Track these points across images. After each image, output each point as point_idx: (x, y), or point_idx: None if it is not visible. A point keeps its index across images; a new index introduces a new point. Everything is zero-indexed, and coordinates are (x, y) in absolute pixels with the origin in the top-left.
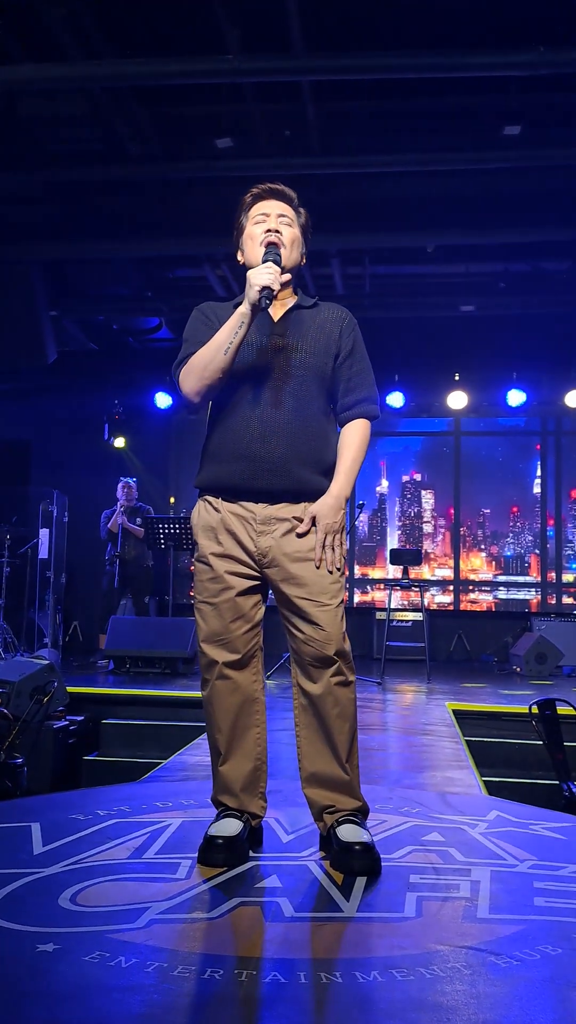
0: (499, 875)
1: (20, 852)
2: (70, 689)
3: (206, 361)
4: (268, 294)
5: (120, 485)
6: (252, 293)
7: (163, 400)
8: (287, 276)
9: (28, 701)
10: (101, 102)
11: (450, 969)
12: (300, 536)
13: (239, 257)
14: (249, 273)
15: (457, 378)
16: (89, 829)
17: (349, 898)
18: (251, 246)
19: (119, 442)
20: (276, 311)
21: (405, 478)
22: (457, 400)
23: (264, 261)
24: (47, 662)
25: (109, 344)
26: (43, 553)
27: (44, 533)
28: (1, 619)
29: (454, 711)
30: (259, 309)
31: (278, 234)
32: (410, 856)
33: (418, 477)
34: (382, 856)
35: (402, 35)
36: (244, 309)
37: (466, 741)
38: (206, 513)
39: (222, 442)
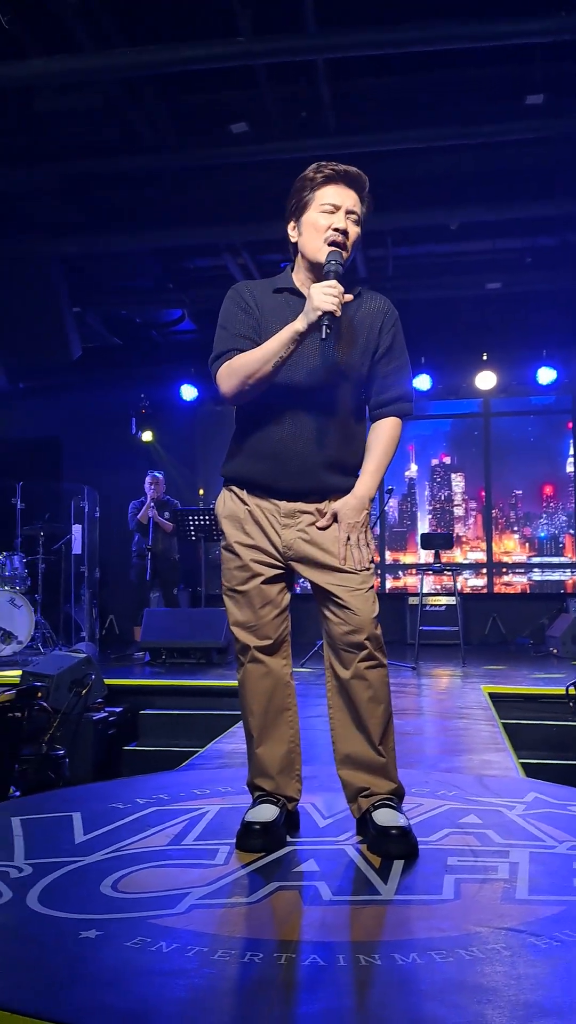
0: (538, 856)
1: (62, 841)
2: (108, 681)
3: (250, 370)
4: (331, 320)
5: (148, 479)
6: (313, 315)
7: (188, 392)
8: (349, 297)
9: (67, 694)
10: (115, 94)
11: (489, 950)
12: (321, 530)
13: (291, 232)
14: (312, 290)
15: (485, 358)
16: (129, 817)
17: (387, 881)
18: (313, 236)
19: (147, 435)
20: None
21: (435, 461)
22: (486, 380)
23: (325, 272)
24: (84, 655)
25: (132, 338)
26: (76, 549)
27: (77, 529)
28: (39, 615)
29: (490, 694)
30: (316, 331)
31: (344, 236)
32: (448, 839)
33: (447, 460)
34: (419, 839)
35: (417, 7)
36: (300, 327)
37: (502, 723)
38: (231, 503)
39: (252, 439)
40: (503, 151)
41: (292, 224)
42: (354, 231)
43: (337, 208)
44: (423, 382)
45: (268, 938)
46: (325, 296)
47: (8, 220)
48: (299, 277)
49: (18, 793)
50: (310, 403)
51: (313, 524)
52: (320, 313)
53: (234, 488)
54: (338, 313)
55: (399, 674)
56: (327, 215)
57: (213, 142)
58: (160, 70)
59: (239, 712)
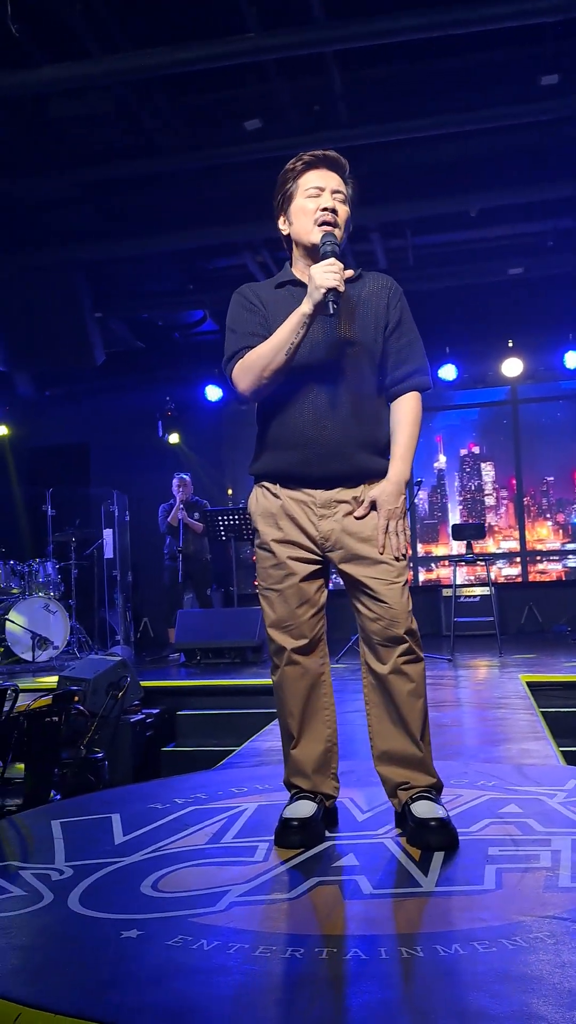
0: None
1: (102, 843)
2: (144, 683)
3: (265, 361)
4: (335, 296)
5: (175, 481)
6: (317, 294)
7: (213, 393)
8: (349, 272)
9: (104, 697)
10: (126, 97)
11: (533, 939)
12: (358, 519)
13: (282, 226)
14: (312, 271)
15: (511, 344)
16: (168, 817)
17: (427, 873)
18: (303, 220)
19: (173, 438)
20: None
21: (463, 452)
22: (512, 367)
23: (323, 254)
24: (120, 658)
25: (155, 341)
26: (108, 553)
27: (108, 533)
28: (73, 620)
29: (528, 683)
30: (323, 311)
31: (334, 214)
32: (488, 829)
33: (476, 450)
34: (459, 830)
35: None
36: (307, 309)
37: (541, 712)
38: (264, 499)
39: (276, 431)
40: (519, 134)
41: (282, 218)
42: (343, 210)
43: (322, 190)
44: (448, 372)
45: (309, 933)
46: (326, 274)
47: (27, 229)
48: (298, 268)
49: (59, 797)
50: (329, 387)
51: (350, 514)
52: (324, 290)
53: (266, 484)
54: (341, 288)
55: (435, 666)
56: (313, 198)
57: (227, 140)
58: (169, 71)
59: (274, 710)
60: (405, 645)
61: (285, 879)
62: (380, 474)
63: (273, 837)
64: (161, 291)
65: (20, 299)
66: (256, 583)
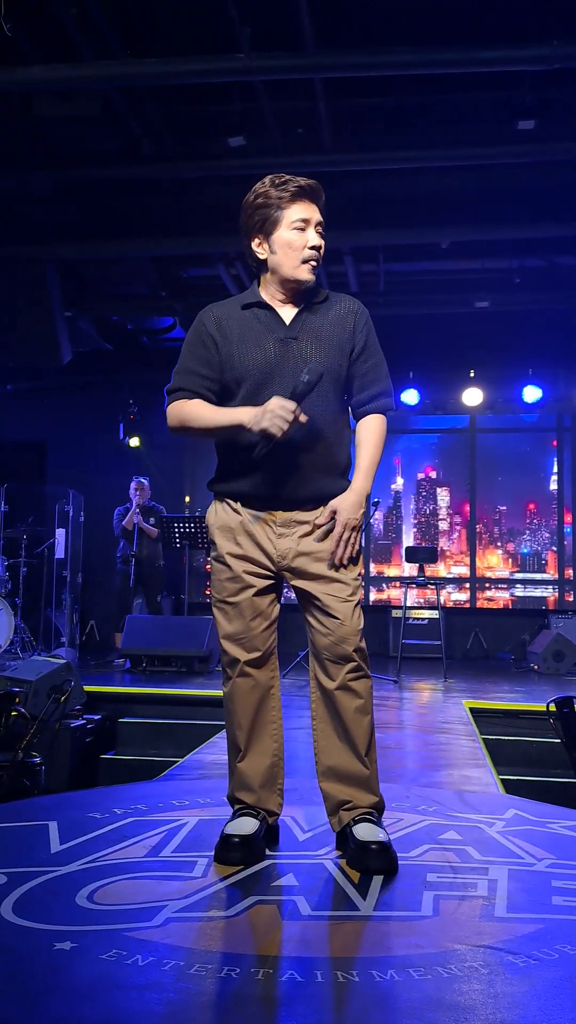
0: (517, 874)
1: (38, 851)
2: (87, 688)
3: (194, 426)
4: (267, 444)
5: (133, 485)
6: (258, 426)
7: None
8: (304, 418)
9: (46, 700)
10: (115, 102)
11: (468, 968)
12: (321, 529)
13: (258, 248)
14: (271, 404)
15: (472, 375)
16: (106, 827)
17: (366, 897)
18: (289, 254)
19: (134, 441)
20: (287, 313)
21: (420, 475)
22: (472, 397)
23: (298, 390)
24: (64, 661)
25: (123, 344)
26: (59, 553)
27: (60, 533)
28: (19, 619)
29: (471, 709)
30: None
31: (319, 251)
32: (427, 855)
33: (433, 474)
34: (399, 855)
35: (414, 31)
36: (245, 420)
37: (483, 739)
38: (224, 514)
39: (238, 452)
40: (495, 173)
41: (258, 240)
42: (322, 243)
43: (307, 223)
44: (411, 396)
45: (246, 953)
46: (277, 418)
47: (3, 223)
48: (268, 291)
49: None
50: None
51: (308, 535)
52: (261, 430)
53: (228, 500)
54: (280, 437)
55: (381, 687)
56: (299, 232)
57: (211, 153)
58: (159, 82)
59: (220, 722)
60: (354, 663)
61: (223, 896)
62: (340, 494)
63: (213, 853)
64: (133, 295)
65: None
66: (209, 594)
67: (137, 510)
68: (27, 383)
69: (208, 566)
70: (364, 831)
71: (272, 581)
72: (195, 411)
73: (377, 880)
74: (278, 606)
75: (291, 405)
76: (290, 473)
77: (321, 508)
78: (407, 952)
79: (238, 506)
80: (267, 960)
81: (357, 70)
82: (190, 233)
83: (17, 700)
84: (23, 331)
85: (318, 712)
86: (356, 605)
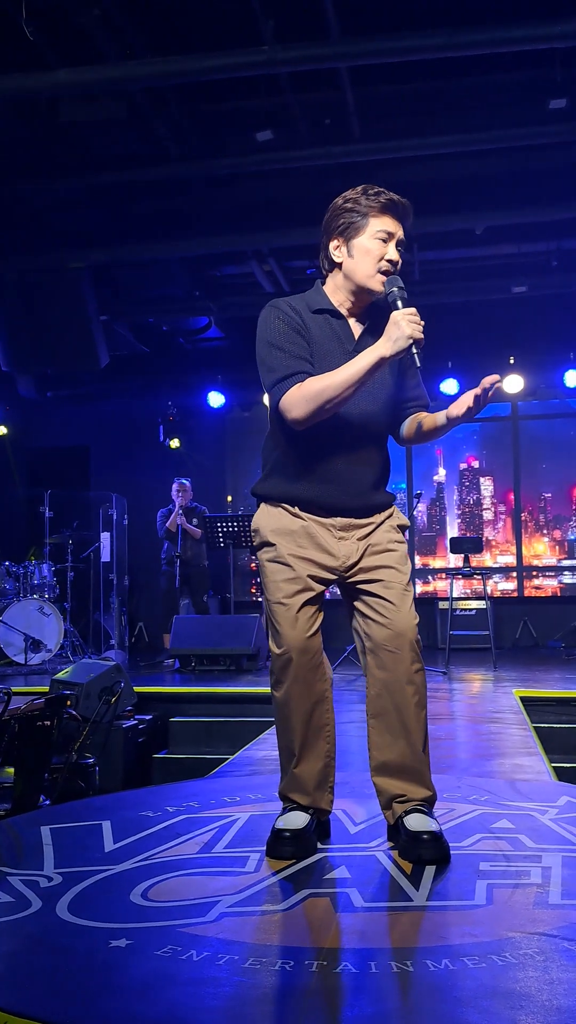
0: (571, 861)
1: (92, 850)
2: (138, 689)
3: (331, 394)
4: (419, 347)
5: (175, 486)
6: (402, 342)
7: (216, 399)
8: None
9: (97, 702)
10: (139, 103)
11: (522, 956)
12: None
13: (335, 252)
14: (397, 317)
15: (512, 361)
16: (159, 825)
17: (419, 887)
18: (365, 261)
19: (174, 443)
20: (356, 329)
21: (463, 466)
22: (513, 384)
23: (393, 300)
24: (114, 663)
25: (160, 346)
26: (105, 556)
27: (105, 537)
28: (68, 623)
29: (521, 698)
30: (404, 358)
31: (395, 266)
32: (479, 844)
33: (476, 464)
34: (451, 844)
35: (439, 13)
36: (386, 353)
37: (534, 727)
38: (281, 517)
39: (306, 462)
40: (527, 155)
41: (337, 243)
42: (399, 261)
43: (391, 236)
44: (450, 386)
45: (299, 945)
46: (412, 324)
47: (35, 231)
48: (337, 297)
49: (48, 802)
50: (366, 427)
51: (367, 537)
52: (411, 341)
53: (283, 504)
54: (422, 338)
55: (430, 679)
56: (381, 244)
57: (238, 150)
58: (183, 79)
59: (269, 719)
60: (414, 654)
61: (276, 891)
62: (385, 506)
63: (265, 848)
64: (167, 296)
65: (26, 300)
66: (255, 592)
67: (180, 511)
68: (67, 390)
69: (253, 565)
70: (416, 822)
71: (325, 588)
72: (323, 383)
73: (430, 870)
74: (322, 614)
75: (409, 310)
76: (355, 487)
77: (376, 516)
78: (461, 941)
79: (297, 510)
80: (321, 952)
81: (383, 56)
82: (221, 232)
83: (69, 703)
84: (59, 337)
85: (375, 707)
86: (412, 599)
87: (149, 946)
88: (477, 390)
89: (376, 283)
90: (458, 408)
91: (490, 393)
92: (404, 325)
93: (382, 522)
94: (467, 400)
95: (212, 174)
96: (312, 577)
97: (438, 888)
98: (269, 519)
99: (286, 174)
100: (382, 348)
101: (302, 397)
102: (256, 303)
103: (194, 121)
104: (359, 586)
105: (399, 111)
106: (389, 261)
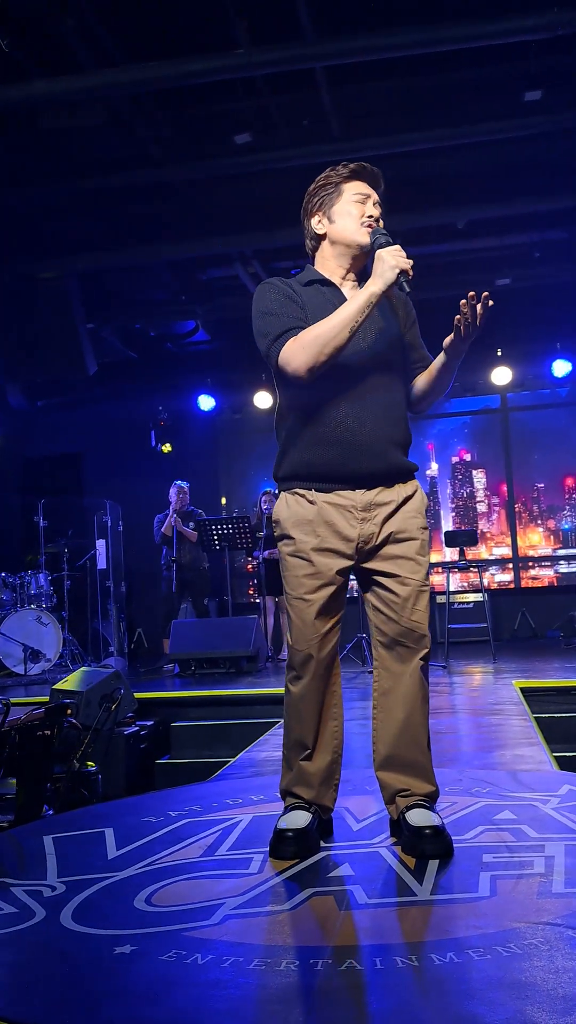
0: (573, 849)
1: (95, 858)
2: (138, 695)
3: (327, 337)
4: (406, 277)
5: (174, 489)
6: (390, 274)
7: (206, 402)
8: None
9: (97, 709)
10: (120, 109)
11: (528, 946)
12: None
13: (317, 225)
14: (383, 254)
15: (500, 353)
16: (161, 830)
17: (422, 882)
18: (347, 221)
19: (166, 447)
20: (347, 290)
21: (455, 459)
22: (501, 376)
23: (381, 243)
24: (113, 670)
25: (148, 351)
26: (102, 564)
27: (101, 544)
28: (66, 632)
29: (521, 689)
30: (396, 290)
31: (377, 223)
32: (482, 836)
33: (468, 457)
34: (454, 837)
35: (412, 9)
36: (376, 288)
37: (535, 718)
38: (298, 506)
39: (312, 427)
40: (505, 148)
41: (318, 218)
42: (379, 216)
43: (367, 197)
44: None
45: (305, 945)
46: (397, 255)
47: (19, 238)
48: (327, 267)
49: (51, 812)
50: (366, 382)
51: (391, 517)
52: (398, 271)
53: (298, 490)
54: (410, 273)
55: (431, 672)
56: (358, 204)
57: (219, 152)
58: (162, 85)
59: (271, 719)
60: (426, 650)
61: (280, 891)
62: (409, 473)
63: (268, 848)
64: (153, 301)
65: (13, 309)
66: (253, 593)
67: (175, 515)
68: (58, 398)
69: (250, 565)
70: (417, 816)
71: (345, 577)
72: (319, 329)
73: (433, 864)
74: (343, 609)
75: (393, 247)
76: (365, 446)
77: (397, 488)
78: (466, 934)
79: (313, 495)
80: (326, 951)
81: (358, 55)
82: (205, 235)
83: (69, 712)
84: (47, 345)
85: (383, 702)
86: (428, 593)
87: (154, 951)
88: (458, 316)
89: (362, 235)
90: (450, 338)
91: (478, 306)
92: (388, 258)
93: (405, 502)
94: (458, 326)
95: (194, 177)
96: (331, 569)
97: (442, 882)
98: (286, 509)
99: (267, 175)
100: (372, 285)
101: (300, 346)
102: (242, 305)
103: (174, 125)
104: (375, 576)
105: (376, 109)
106: (370, 216)
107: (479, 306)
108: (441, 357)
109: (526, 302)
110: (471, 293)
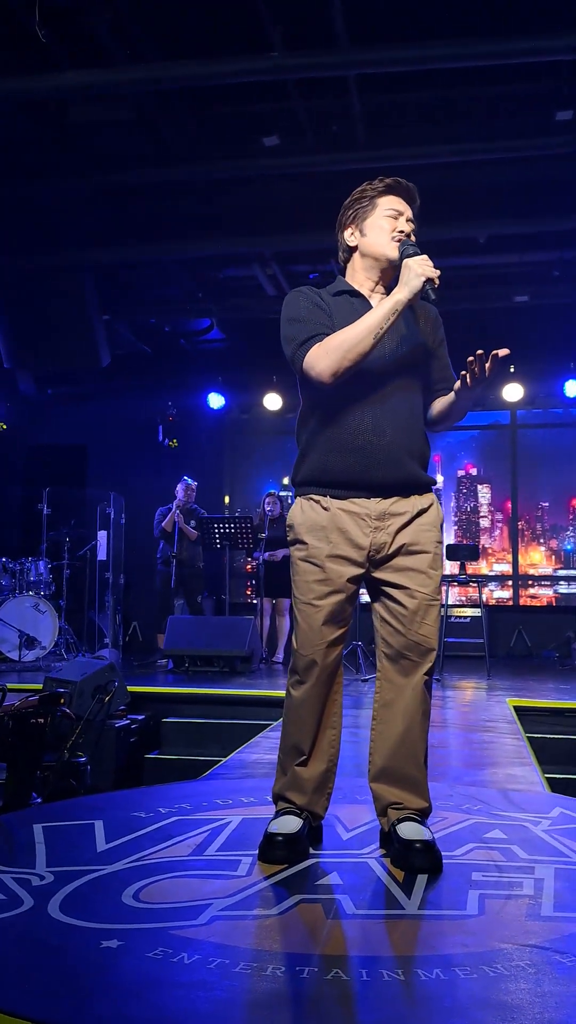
0: (563, 872)
1: (84, 849)
2: (131, 688)
3: (352, 343)
4: (432, 285)
5: (182, 485)
6: (416, 282)
7: (216, 401)
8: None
9: (90, 700)
10: (148, 105)
11: (514, 967)
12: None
13: (349, 237)
14: (410, 263)
15: (512, 370)
16: (151, 827)
17: (411, 896)
18: (378, 235)
19: (173, 442)
20: (376, 302)
21: (461, 473)
22: (513, 392)
23: (408, 253)
24: (108, 662)
25: (161, 346)
26: (102, 555)
27: (102, 535)
28: (63, 620)
29: (515, 707)
30: (422, 298)
31: (408, 238)
32: (472, 853)
33: (474, 471)
34: (443, 853)
35: (447, 23)
36: (402, 297)
37: (528, 737)
38: (312, 512)
39: (333, 433)
40: (532, 165)
41: (351, 230)
42: (411, 232)
43: (400, 213)
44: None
45: (291, 951)
46: (424, 264)
47: (40, 230)
48: (356, 279)
49: (39, 800)
50: (387, 396)
51: (404, 528)
52: (424, 279)
53: (313, 496)
54: (436, 282)
55: None
56: (391, 219)
57: (244, 154)
58: (192, 84)
59: (262, 721)
60: (431, 664)
61: (268, 895)
62: (426, 486)
63: (257, 852)
64: (170, 297)
65: (29, 298)
66: (250, 594)
67: (178, 511)
68: (68, 388)
69: (249, 565)
70: (409, 830)
71: (356, 585)
72: (344, 334)
73: (422, 879)
74: (352, 618)
75: (420, 257)
76: (385, 455)
77: (412, 499)
78: (453, 951)
79: (327, 501)
80: (313, 959)
81: (391, 65)
82: (225, 234)
83: (62, 701)
84: (62, 335)
85: (383, 712)
86: (439, 607)
87: (141, 948)
88: (464, 371)
89: (392, 249)
90: (458, 383)
91: (487, 365)
92: (415, 266)
93: (420, 514)
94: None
95: (217, 177)
96: (344, 576)
97: (430, 897)
98: (301, 514)
99: (291, 179)
100: (398, 293)
101: (324, 351)
102: (258, 306)
103: (201, 124)
104: (384, 587)
105: (405, 119)
106: (401, 232)
107: (488, 364)
108: (453, 394)
109: (543, 320)
110: (479, 352)
